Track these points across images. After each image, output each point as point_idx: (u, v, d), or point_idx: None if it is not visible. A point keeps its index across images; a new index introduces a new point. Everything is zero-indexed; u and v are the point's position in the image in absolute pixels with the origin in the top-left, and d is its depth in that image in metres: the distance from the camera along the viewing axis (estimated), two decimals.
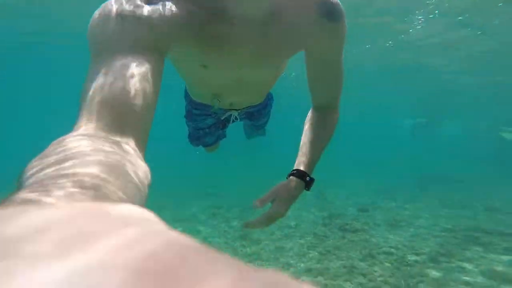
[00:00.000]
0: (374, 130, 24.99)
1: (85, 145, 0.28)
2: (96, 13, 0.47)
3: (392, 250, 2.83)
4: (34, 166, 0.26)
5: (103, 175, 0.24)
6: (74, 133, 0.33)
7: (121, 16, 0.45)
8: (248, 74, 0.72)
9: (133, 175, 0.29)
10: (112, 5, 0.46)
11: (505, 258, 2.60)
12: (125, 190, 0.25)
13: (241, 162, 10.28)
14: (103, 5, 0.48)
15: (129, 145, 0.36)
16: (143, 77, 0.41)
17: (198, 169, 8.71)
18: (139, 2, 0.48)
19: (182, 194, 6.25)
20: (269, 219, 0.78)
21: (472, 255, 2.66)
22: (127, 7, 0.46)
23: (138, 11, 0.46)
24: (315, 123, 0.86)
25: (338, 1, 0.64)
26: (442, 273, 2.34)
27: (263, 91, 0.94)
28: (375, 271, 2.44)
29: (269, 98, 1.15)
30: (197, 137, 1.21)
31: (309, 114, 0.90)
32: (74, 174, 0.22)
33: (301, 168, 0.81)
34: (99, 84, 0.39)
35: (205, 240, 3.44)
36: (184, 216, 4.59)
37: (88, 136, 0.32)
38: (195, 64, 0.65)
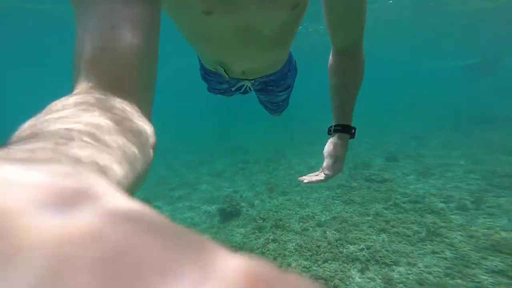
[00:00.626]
0: (412, 71, 22.55)
1: (69, 114, 0.24)
2: None
3: (419, 198, 2.86)
4: (20, 132, 0.23)
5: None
6: (64, 100, 0.29)
7: None
8: (258, 20, 0.63)
9: (130, 147, 0.25)
10: None
11: None
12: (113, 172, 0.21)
13: (265, 118, 10.29)
14: None
15: (128, 105, 0.31)
16: (136, 25, 0.35)
17: (226, 126, 8.94)
18: None
19: (212, 151, 6.67)
20: (331, 177, 0.80)
21: (504, 202, 2.58)
22: None
23: None
24: (344, 69, 0.79)
25: None
26: (467, 219, 2.35)
27: (277, 51, 0.81)
28: (399, 218, 2.53)
29: (289, 68, 1.00)
30: (215, 92, 1.16)
31: (332, 59, 0.81)
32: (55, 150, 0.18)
33: (342, 122, 0.81)
34: (85, 39, 0.33)
35: (235, 193, 3.77)
36: (215, 172, 4.97)
37: (82, 99, 0.28)
38: (196, 11, 0.57)
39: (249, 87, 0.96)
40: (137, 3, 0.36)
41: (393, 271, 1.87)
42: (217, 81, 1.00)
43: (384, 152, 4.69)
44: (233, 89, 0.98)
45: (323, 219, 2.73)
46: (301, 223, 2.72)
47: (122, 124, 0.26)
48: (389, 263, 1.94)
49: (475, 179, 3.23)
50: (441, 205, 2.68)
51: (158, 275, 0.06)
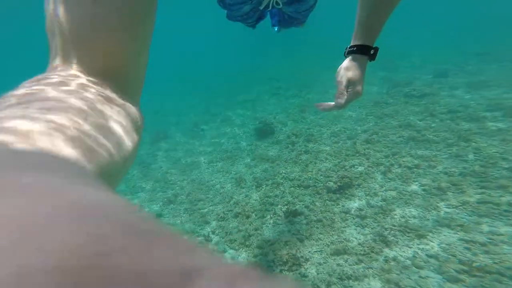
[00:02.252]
0: None
1: (57, 90, 0.23)
2: None
3: (460, 108, 2.75)
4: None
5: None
6: (47, 74, 0.26)
7: None
8: None
9: (115, 126, 0.24)
10: None
11: None
12: (93, 155, 0.20)
13: (294, 48, 9.52)
14: None
15: (112, 86, 0.28)
16: None
17: (259, 58, 8.65)
18: None
19: (247, 79, 6.76)
20: (346, 104, 0.74)
21: None
22: None
23: None
24: None
25: None
26: (508, 125, 2.28)
27: None
28: (432, 127, 2.56)
29: None
30: (235, 17, 1.07)
31: None
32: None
33: (361, 42, 0.70)
34: (55, 8, 0.27)
35: (269, 115, 4.01)
36: (251, 97, 5.19)
37: (63, 79, 0.25)
38: None
39: (276, 1, 0.88)
40: None
41: (413, 173, 2.08)
42: (239, 2, 0.91)
43: (433, 69, 4.23)
44: (260, 7, 0.90)
45: (353, 133, 2.90)
46: (332, 137, 2.94)
47: (108, 105, 0.25)
48: (411, 166, 2.14)
49: None
50: (485, 113, 2.58)
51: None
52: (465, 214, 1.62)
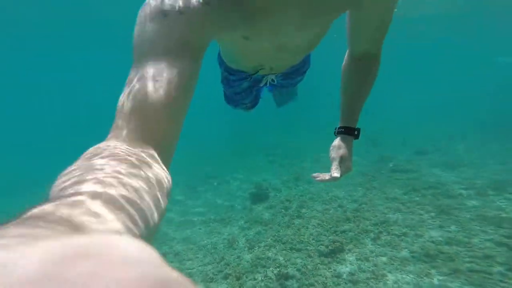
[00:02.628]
0: (456, 68, 20.91)
1: (107, 164, 0.29)
2: (140, 12, 0.45)
3: (439, 185, 3.02)
4: (58, 183, 0.27)
5: (114, 203, 0.23)
6: (102, 145, 0.34)
7: (164, 13, 0.43)
8: (291, 41, 0.69)
9: (148, 197, 0.28)
10: (152, 2, 0.44)
11: None
12: (135, 218, 0.24)
13: (291, 120, 10.65)
14: (144, 4, 0.46)
15: (152, 156, 0.36)
16: (177, 84, 0.40)
17: (258, 128, 9.50)
18: None
19: (245, 146, 7.25)
20: (339, 178, 0.83)
21: None
22: (170, 2, 0.43)
23: (182, 5, 0.43)
24: (356, 74, 0.82)
25: None
26: (481, 202, 2.50)
27: (308, 52, 0.86)
28: (415, 200, 2.75)
29: (309, 55, 1.09)
30: (234, 101, 1.21)
31: (347, 62, 0.83)
32: (83, 202, 0.21)
33: (347, 124, 0.84)
34: (129, 92, 0.39)
35: (264, 181, 4.21)
36: (248, 163, 5.50)
37: (114, 149, 0.33)
38: (237, 36, 0.62)
39: (272, 79, 1.01)
40: (186, 57, 0.41)
41: (402, 240, 2.16)
42: (239, 78, 1.04)
43: (414, 147, 4.77)
44: (260, 84, 1.04)
45: (344, 202, 3.05)
46: (324, 205, 3.07)
47: (144, 175, 0.30)
48: (399, 234, 2.23)
49: (503, 170, 3.25)
50: (460, 191, 2.83)
51: None
52: (459, 282, 1.65)
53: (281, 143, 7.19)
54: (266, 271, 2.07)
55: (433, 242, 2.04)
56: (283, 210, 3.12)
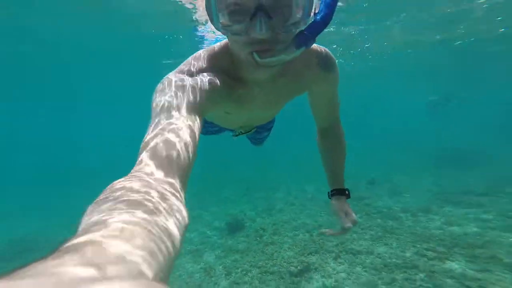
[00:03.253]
0: (394, 109, 24.39)
1: (133, 197, 0.32)
2: (160, 85, 0.61)
3: (385, 209, 3.62)
4: (86, 216, 0.29)
5: (134, 244, 0.24)
6: (129, 177, 0.39)
7: (181, 85, 0.59)
8: (261, 114, 0.91)
9: (167, 236, 0.30)
10: (171, 79, 0.61)
11: (463, 211, 3.32)
12: (155, 256, 0.25)
13: (262, 155, 11.24)
14: (164, 78, 0.63)
15: (174, 188, 0.42)
16: (190, 133, 0.51)
17: (232, 162, 9.81)
18: (192, 76, 0.63)
19: (219, 181, 7.45)
20: (351, 228, 0.97)
21: (444, 211, 3.37)
22: (185, 79, 0.61)
23: (192, 83, 0.61)
24: (330, 143, 1.01)
25: (330, 52, 0.78)
26: (414, 222, 3.12)
27: (269, 120, 1.11)
28: (367, 223, 3.27)
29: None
30: (206, 130, 1.32)
31: (319, 138, 1.03)
32: (109, 245, 0.22)
33: (337, 187, 1.01)
34: (157, 137, 0.48)
35: (240, 212, 4.46)
36: (221, 197, 5.70)
37: (140, 180, 0.37)
38: (221, 111, 0.79)
39: (241, 132, 1.16)
40: (193, 118, 0.55)
41: (357, 258, 2.58)
42: (214, 130, 1.26)
43: (365, 178, 5.50)
44: (233, 135, 1.19)
45: (310, 227, 3.45)
46: (293, 231, 3.43)
47: (168, 211, 0.34)
48: (355, 253, 2.65)
49: (431, 195, 4.02)
50: (400, 214, 3.45)
51: None
52: None
53: (253, 176, 7.58)
54: None
55: (380, 257, 2.49)
56: (258, 238, 3.39)
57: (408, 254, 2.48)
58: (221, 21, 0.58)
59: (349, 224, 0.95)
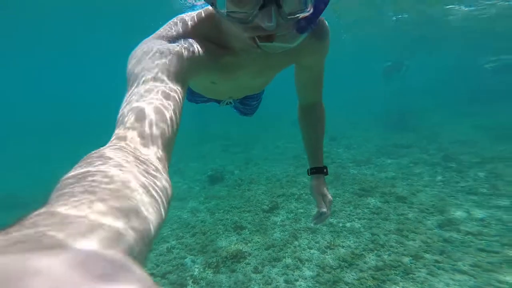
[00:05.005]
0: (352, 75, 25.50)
1: (112, 168, 0.30)
2: (136, 50, 0.56)
3: (339, 160, 4.44)
4: (62, 184, 0.27)
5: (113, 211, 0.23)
6: (108, 147, 0.37)
7: (160, 51, 0.54)
8: (249, 83, 0.86)
9: (154, 210, 0.30)
10: (149, 44, 0.56)
11: (390, 161, 4.34)
12: (133, 225, 0.24)
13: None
14: (141, 43, 0.57)
15: (157, 159, 0.40)
16: (173, 102, 0.47)
17: (212, 120, 10.04)
18: (172, 42, 0.58)
19: (199, 137, 7.83)
20: (329, 209, 1.00)
21: (378, 161, 4.29)
22: (164, 45, 0.56)
23: (175, 49, 0.56)
24: (312, 120, 1.00)
25: (324, 20, 0.74)
26: (357, 170, 4.00)
27: (259, 91, 1.06)
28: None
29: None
30: (196, 100, 1.29)
31: (301, 114, 1.01)
32: (84, 216, 0.21)
33: (316, 165, 1.03)
34: (136, 107, 0.44)
35: (221, 166, 5.00)
36: (204, 152, 6.18)
37: (120, 150, 0.35)
38: (206, 81, 0.77)
39: (230, 101, 1.14)
40: (176, 84, 0.51)
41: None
42: (202, 100, 1.21)
43: (328, 135, 6.26)
44: (220, 104, 1.17)
45: (281, 176, 4.15)
46: (267, 180, 4.10)
47: (150, 183, 0.32)
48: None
49: (375, 148, 4.91)
50: (349, 163, 4.33)
51: None
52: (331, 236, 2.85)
53: (231, 133, 8.04)
54: (226, 226, 2.95)
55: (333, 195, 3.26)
56: (236, 187, 4.02)
57: (347, 195, 3.30)
58: (226, 6, 0.53)
59: (324, 209, 0.99)
